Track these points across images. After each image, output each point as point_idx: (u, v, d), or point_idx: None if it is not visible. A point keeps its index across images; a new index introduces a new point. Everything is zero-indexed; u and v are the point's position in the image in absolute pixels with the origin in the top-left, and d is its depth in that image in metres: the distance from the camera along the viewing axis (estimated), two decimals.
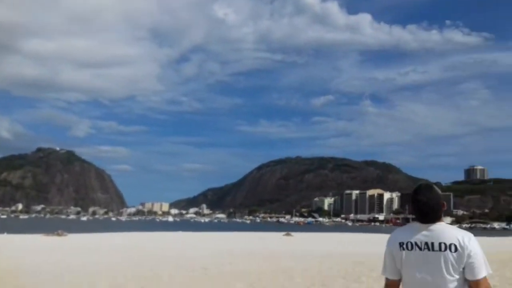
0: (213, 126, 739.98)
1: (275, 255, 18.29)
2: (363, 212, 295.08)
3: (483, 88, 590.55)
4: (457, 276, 2.53)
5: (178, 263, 14.53)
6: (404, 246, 2.65)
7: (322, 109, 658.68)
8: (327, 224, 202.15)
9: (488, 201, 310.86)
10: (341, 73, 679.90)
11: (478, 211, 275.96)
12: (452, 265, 2.52)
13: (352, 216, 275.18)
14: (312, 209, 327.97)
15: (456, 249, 2.53)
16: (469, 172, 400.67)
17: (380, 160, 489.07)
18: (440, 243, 2.56)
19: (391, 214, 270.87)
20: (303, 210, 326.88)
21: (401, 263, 2.67)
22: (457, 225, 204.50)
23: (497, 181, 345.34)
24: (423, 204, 2.69)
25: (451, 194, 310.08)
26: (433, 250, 2.57)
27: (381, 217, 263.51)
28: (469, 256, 2.51)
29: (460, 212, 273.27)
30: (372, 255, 19.07)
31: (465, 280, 2.56)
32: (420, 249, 2.60)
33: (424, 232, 2.63)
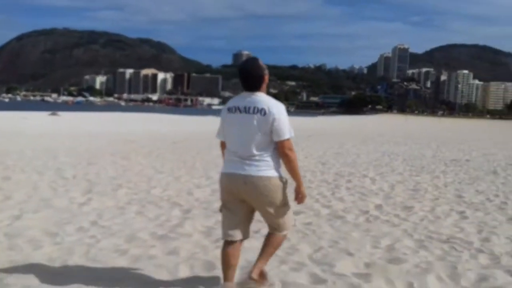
0: None
1: (39, 135, 16.64)
2: (137, 92, 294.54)
3: None
4: (263, 135, 2.99)
5: None
6: (231, 109, 3.11)
7: None
8: (99, 103, 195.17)
9: None
10: None
11: None
12: (260, 125, 2.97)
13: (125, 95, 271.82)
14: (82, 87, 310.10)
15: (264, 113, 2.97)
16: (237, 56, 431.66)
17: (156, 38, 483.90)
18: (254, 107, 3.01)
19: (165, 95, 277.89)
20: (72, 88, 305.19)
21: (226, 124, 3.16)
22: (223, 106, 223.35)
23: None
24: (246, 72, 3.08)
25: (220, 77, 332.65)
26: (248, 112, 3.02)
27: (154, 97, 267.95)
28: (274, 120, 2.95)
29: (227, 94, 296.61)
30: (143, 134, 19.13)
31: (273, 140, 3.01)
32: (240, 111, 3.06)
33: (247, 99, 3.06)
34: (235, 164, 3.06)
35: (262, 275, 3.22)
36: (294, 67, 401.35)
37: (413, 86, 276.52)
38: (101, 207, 5.65)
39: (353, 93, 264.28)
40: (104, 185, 7.11)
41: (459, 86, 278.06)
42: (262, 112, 2.97)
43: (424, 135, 26.83)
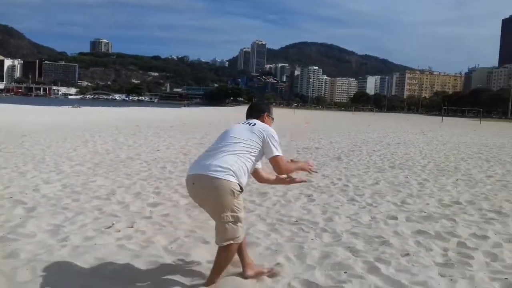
0: None
1: None
2: None
3: None
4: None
5: None
6: None
7: None
8: None
9: (111, 74, 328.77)
10: None
11: (101, 83, 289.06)
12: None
13: None
14: None
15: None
16: (95, 44, 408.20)
17: (1, 22, 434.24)
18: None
19: (13, 83, 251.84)
20: None
21: None
22: (81, 95, 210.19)
23: (120, 56, 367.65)
24: (250, 107, 3.64)
25: (77, 65, 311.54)
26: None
27: (1, 85, 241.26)
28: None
29: (85, 83, 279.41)
30: None
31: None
32: None
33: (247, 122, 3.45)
34: None
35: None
36: (156, 58, 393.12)
37: (271, 80, 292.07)
38: None
39: (215, 85, 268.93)
40: None
41: (311, 80, 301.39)
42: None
43: (280, 126, 28.30)
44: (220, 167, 3.02)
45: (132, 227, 4.57)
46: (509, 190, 7.43)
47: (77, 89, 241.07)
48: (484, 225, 5.08)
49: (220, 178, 2.99)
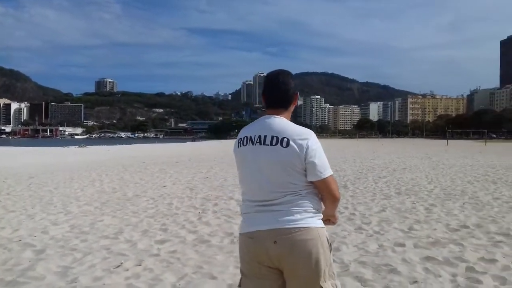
0: None
1: None
2: None
3: (115, 3, 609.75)
4: (291, 174, 2.13)
5: None
6: (241, 141, 2.24)
7: None
8: None
9: (116, 113, 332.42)
10: None
11: (107, 122, 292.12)
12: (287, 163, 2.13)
13: None
14: None
15: (287, 144, 2.11)
16: (100, 84, 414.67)
17: (7, 66, 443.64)
18: (272, 136, 2.14)
19: (20, 126, 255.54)
20: None
21: (237, 162, 2.27)
22: (87, 135, 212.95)
23: (125, 94, 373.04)
24: (275, 79, 2.28)
25: (82, 105, 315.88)
26: (264, 144, 2.16)
27: (8, 128, 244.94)
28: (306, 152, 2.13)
29: (91, 123, 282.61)
30: None
31: (306, 180, 2.17)
32: (252, 143, 2.19)
33: (264, 123, 2.21)
34: (257, 218, 2.16)
35: None
36: (160, 95, 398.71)
37: None
38: None
39: (219, 118, 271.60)
40: None
41: (314, 109, 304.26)
42: (284, 142, 2.12)
43: None
44: None
45: (140, 265, 4.59)
46: None
47: (83, 129, 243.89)
48: (492, 248, 5.06)
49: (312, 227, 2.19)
